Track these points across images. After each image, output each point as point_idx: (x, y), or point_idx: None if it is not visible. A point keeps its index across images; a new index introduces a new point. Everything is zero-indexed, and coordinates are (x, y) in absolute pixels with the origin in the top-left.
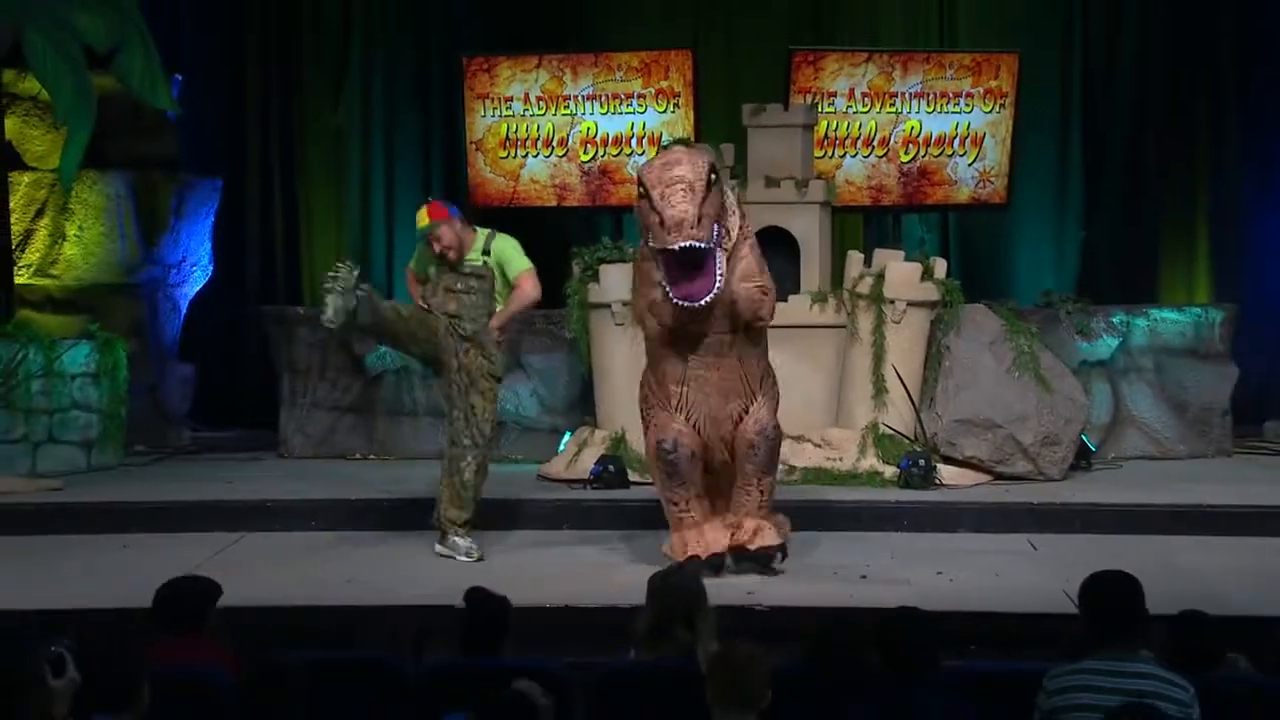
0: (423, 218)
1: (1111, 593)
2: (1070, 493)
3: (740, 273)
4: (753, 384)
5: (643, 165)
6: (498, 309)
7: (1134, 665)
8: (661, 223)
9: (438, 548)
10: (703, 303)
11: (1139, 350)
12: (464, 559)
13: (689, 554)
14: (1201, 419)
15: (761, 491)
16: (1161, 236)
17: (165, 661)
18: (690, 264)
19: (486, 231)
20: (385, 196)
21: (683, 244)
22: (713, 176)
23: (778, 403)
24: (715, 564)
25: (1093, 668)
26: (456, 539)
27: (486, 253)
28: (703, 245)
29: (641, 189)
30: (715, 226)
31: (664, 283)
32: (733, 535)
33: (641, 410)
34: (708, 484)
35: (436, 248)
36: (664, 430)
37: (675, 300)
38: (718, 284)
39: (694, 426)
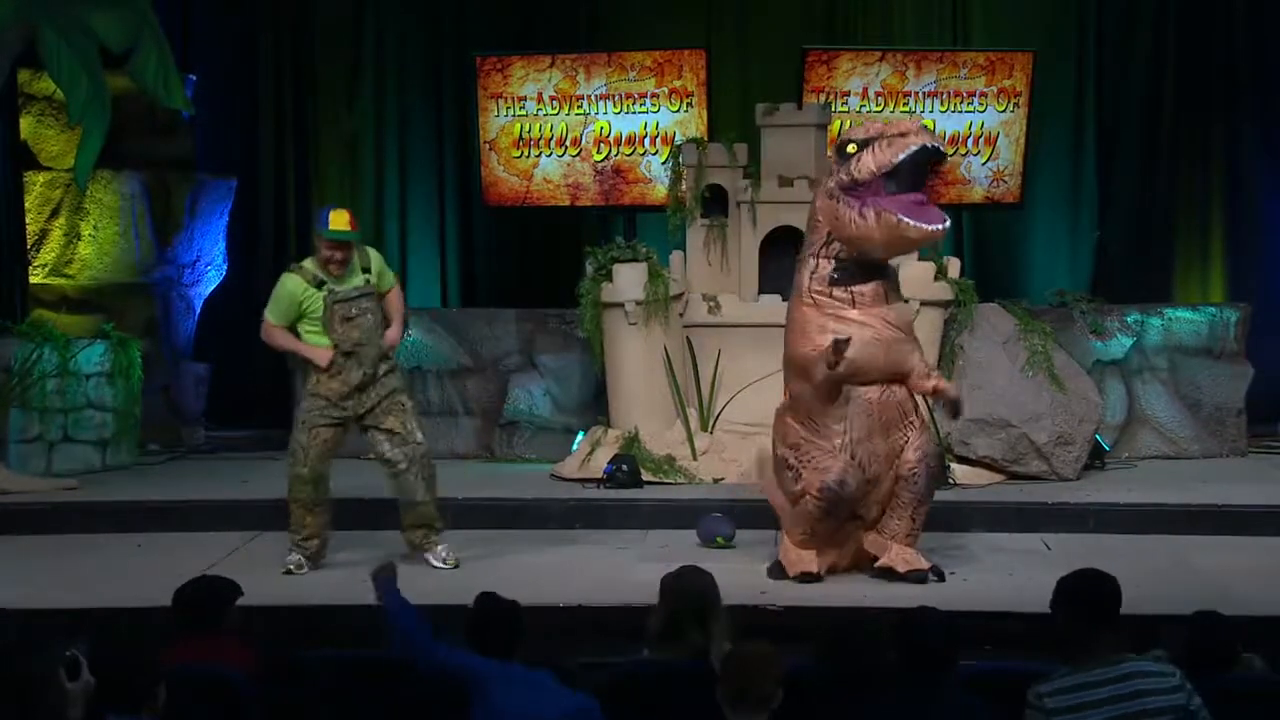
0: (344, 222)
1: (1091, 595)
2: (1084, 492)
3: (907, 321)
4: (909, 414)
5: (842, 138)
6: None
7: (1122, 668)
8: (902, 133)
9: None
10: (943, 226)
11: (1153, 350)
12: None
13: (804, 570)
14: (1216, 418)
15: (914, 519)
16: (1176, 235)
17: (185, 661)
18: (915, 188)
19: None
20: (399, 195)
21: (936, 144)
22: None
23: (933, 429)
24: (813, 580)
25: (1085, 682)
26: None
27: (367, 270)
28: (944, 148)
29: (851, 145)
30: None
31: (896, 213)
32: (881, 558)
33: (789, 458)
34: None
35: (338, 257)
36: (831, 470)
37: (920, 226)
38: (946, 216)
39: (859, 466)
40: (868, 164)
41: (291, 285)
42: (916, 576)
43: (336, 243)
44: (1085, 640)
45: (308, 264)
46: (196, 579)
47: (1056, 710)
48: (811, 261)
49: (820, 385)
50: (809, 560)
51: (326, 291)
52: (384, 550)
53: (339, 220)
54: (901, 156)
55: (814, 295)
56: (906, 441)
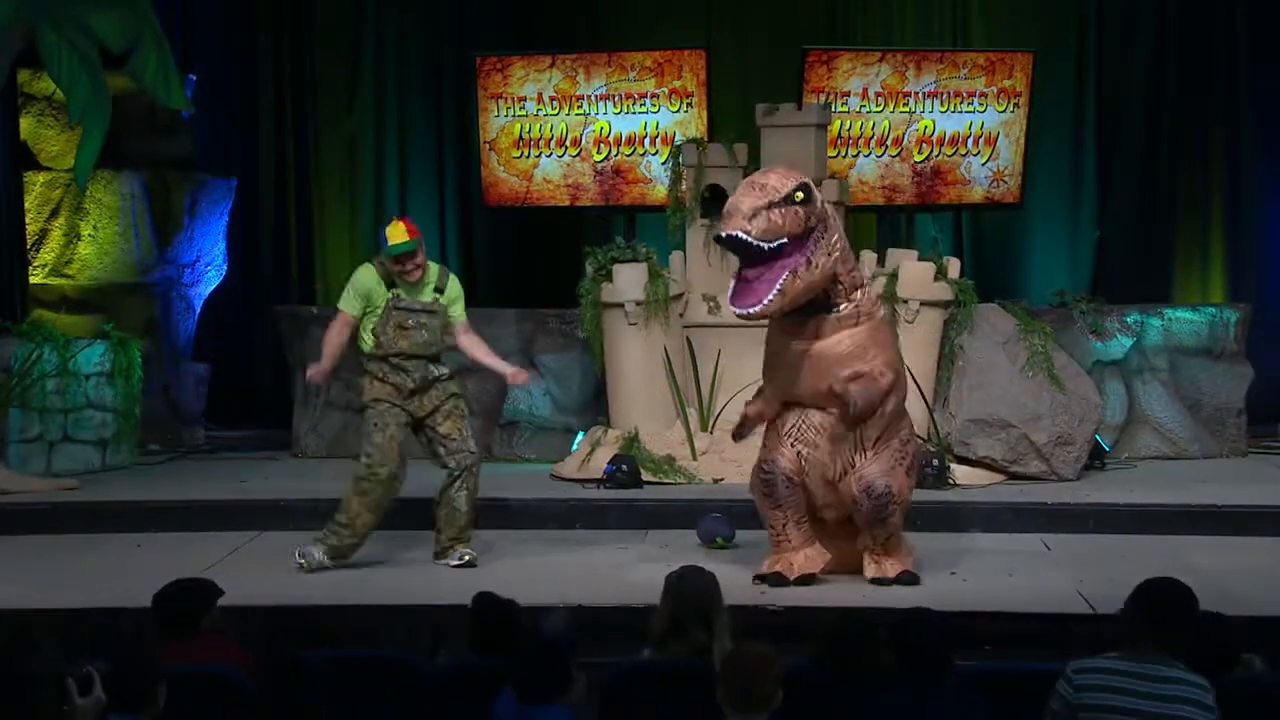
0: (400, 234)
1: (1175, 602)
2: (1084, 493)
3: (841, 354)
4: (864, 437)
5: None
6: (446, 339)
7: (1168, 670)
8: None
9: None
10: (750, 311)
11: (1153, 350)
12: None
13: (774, 570)
14: (1216, 419)
15: (874, 538)
16: (1176, 236)
17: (181, 661)
18: (752, 267)
19: (439, 266)
20: (399, 195)
21: (728, 232)
22: (800, 195)
23: (905, 462)
24: (782, 583)
25: (1126, 669)
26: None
27: (439, 290)
28: (750, 240)
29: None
30: (785, 242)
31: (730, 285)
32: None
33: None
34: (820, 530)
35: (409, 268)
36: (769, 451)
37: (733, 310)
38: (768, 300)
39: (799, 456)
40: None
41: (365, 276)
42: (880, 581)
43: (402, 258)
44: (1148, 638)
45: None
46: (171, 583)
47: (1084, 688)
48: None
49: None
50: (775, 562)
51: (393, 294)
52: (384, 550)
53: (396, 234)
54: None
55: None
56: (853, 466)
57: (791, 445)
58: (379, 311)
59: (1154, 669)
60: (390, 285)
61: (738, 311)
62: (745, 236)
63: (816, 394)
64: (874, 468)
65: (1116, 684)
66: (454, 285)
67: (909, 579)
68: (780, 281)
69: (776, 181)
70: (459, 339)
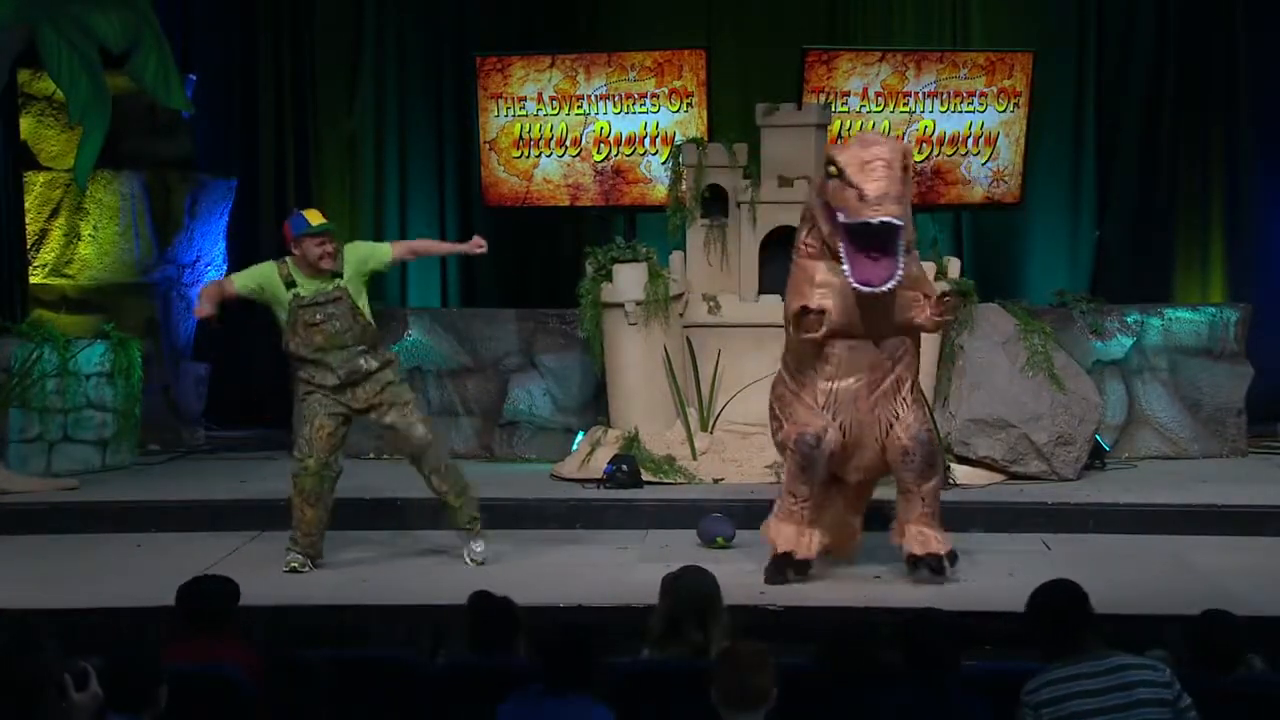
0: (319, 216)
1: (1066, 604)
2: (1084, 492)
3: (907, 289)
4: (902, 390)
5: (832, 146)
6: (365, 318)
7: (1115, 659)
8: (861, 196)
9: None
10: (884, 289)
11: (1153, 350)
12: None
13: (784, 550)
14: (1216, 419)
15: (923, 499)
16: (1176, 235)
17: (186, 660)
18: (876, 246)
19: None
20: (399, 195)
21: (884, 218)
22: (906, 163)
23: (927, 409)
24: (801, 569)
25: (1076, 674)
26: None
27: (338, 275)
28: (899, 223)
29: (832, 167)
30: (908, 213)
31: (844, 267)
32: (901, 546)
33: (775, 407)
34: (823, 498)
35: (330, 249)
36: (810, 425)
37: (854, 284)
38: (899, 273)
39: (840, 428)
40: (835, 196)
41: (268, 268)
42: (931, 562)
43: (324, 235)
44: (1068, 641)
45: (289, 261)
46: (200, 578)
47: (1045, 702)
48: (810, 220)
49: (804, 343)
50: (790, 538)
51: (293, 295)
52: (384, 550)
53: (316, 216)
54: (854, 222)
55: (806, 246)
56: (897, 419)
57: (834, 417)
58: (284, 309)
59: (1100, 664)
60: (290, 285)
61: (874, 289)
62: (897, 222)
63: (885, 328)
64: (912, 417)
65: (1075, 689)
66: (355, 251)
67: (933, 563)
68: (900, 257)
69: (892, 155)
70: (407, 254)
